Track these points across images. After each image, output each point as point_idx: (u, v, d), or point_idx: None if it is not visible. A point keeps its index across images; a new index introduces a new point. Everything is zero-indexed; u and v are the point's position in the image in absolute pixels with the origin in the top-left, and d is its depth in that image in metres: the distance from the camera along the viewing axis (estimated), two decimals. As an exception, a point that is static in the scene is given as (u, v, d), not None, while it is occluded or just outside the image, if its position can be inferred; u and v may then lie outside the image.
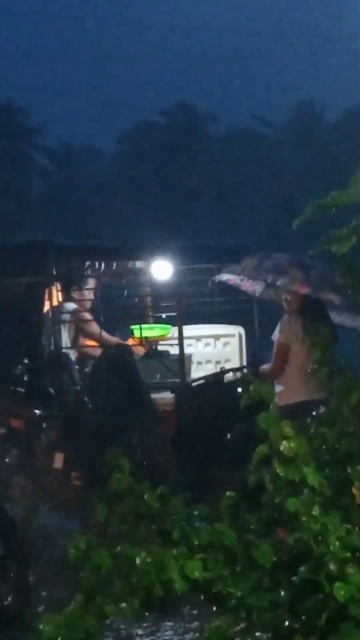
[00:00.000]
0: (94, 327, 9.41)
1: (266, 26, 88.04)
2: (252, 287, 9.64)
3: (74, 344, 9.40)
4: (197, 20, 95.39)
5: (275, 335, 9.11)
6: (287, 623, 3.36)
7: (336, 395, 4.34)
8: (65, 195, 49.75)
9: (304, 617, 3.29)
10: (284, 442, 3.44)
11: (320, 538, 3.24)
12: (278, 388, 9.02)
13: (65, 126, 60.88)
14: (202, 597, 3.61)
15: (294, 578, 3.33)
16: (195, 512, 3.93)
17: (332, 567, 3.18)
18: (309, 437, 4.01)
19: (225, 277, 9.63)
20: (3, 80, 62.63)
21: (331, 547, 3.20)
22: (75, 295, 9.51)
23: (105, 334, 9.38)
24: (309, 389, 8.39)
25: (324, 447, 4.02)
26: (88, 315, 9.48)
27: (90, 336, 9.44)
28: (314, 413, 6.63)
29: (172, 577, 3.52)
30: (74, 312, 9.07)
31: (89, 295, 9.71)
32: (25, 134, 53.80)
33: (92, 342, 9.53)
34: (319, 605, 3.22)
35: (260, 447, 3.52)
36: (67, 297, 9.32)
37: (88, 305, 9.74)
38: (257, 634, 3.40)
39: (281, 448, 3.42)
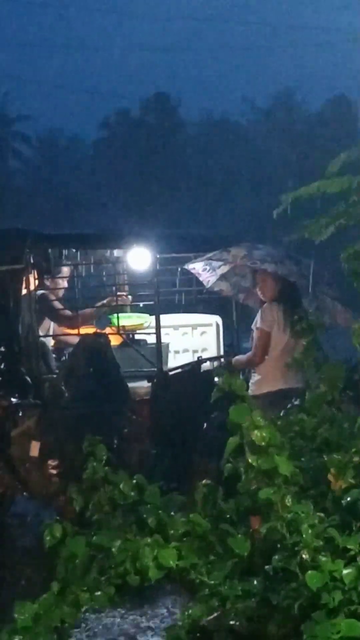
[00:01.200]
0: (63, 313, 9.40)
1: (248, 15, 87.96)
2: (208, 278, 9.71)
3: (46, 331, 9.38)
4: (178, 9, 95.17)
5: (256, 324, 9.14)
6: (260, 611, 3.38)
7: (323, 381, 4.35)
8: (44, 183, 49.60)
9: (277, 606, 3.31)
10: (255, 431, 3.45)
11: (292, 527, 3.26)
12: (257, 377, 9.05)
13: (45, 114, 60.63)
14: (176, 586, 3.63)
15: (267, 567, 3.34)
16: (171, 501, 3.94)
17: (304, 556, 3.20)
18: (287, 424, 4.03)
19: (190, 266, 9.69)
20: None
21: (304, 536, 3.21)
22: (49, 283, 9.49)
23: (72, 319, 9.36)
24: (288, 377, 8.44)
25: (301, 434, 4.03)
26: (57, 303, 9.45)
27: (60, 322, 9.43)
28: (293, 401, 6.67)
29: (146, 565, 3.53)
30: (41, 299, 9.02)
31: (63, 283, 9.69)
32: (5, 123, 53.63)
33: (64, 329, 9.52)
34: (292, 594, 3.24)
35: (232, 439, 3.53)
36: (42, 285, 9.30)
37: (60, 293, 9.72)
38: (231, 622, 3.41)
39: (252, 438, 3.42)
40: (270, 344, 9.01)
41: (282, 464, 3.41)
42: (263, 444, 3.41)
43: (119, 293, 9.73)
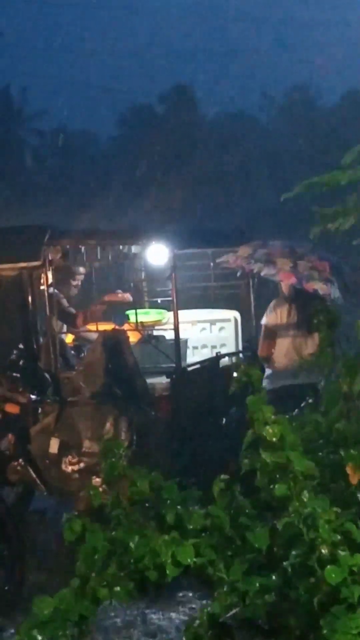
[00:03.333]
0: (68, 314, 9.40)
1: (264, 10, 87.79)
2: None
3: (60, 329, 9.40)
4: (193, 3, 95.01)
5: (264, 319, 9.18)
6: (279, 607, 3.37)
7: (341, 376, 4.33)
8: (60, 179, 49.66)
9: (296, 601, 3.30)
10: (267, 427, 3.44)
11: (310, 522, 3.25)
12: (268, 372, 9.06)
13: (61, 110, 60.68)
14: (195, 582, 3.63)
15: (285, 563, 3.34)
16: (189, 496, 3.93)
17: (323, 551, 3.19)
18: (302, 421, 4.01)
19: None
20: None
21: (321, 531, 3.20)
22: (67, 280, 9.50)
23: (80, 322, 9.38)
24: (295, 372, 8.43)
25: (317, 430, 4.02)
26: (65, 302, 9.44)
27: (66, 322, 9.42)
28: (307, 399, 6.66)
29: (164, 562, 3.53)
30: (53, 298, 9.01)
31: (78, 281, 9.71)
32: (22, 119, 53.77)
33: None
34: (310, 589, 3.23)
35: (250, 432, 3.52)
36: (59, 282, 9.31)
37: (75, 292, 9.73)
38: (250, 618, 3.41)
39: (264, 433, 3.42)
40: (275, 339, 9.01)
41: (296, 459, 3.40)
42: (274, 439, 3.41)
43: (117, 291, 9.72)
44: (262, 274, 8.88)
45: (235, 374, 9.09)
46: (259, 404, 3.49)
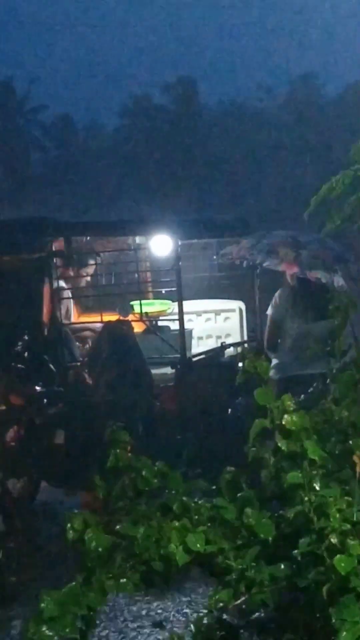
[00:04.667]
0: (68, 311, 9.36)
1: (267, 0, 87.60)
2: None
3: (67, 319, 9.37)
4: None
5: (269, 310, 9.16)
6: (287, 596, 3.36)
7: (355, 364, 4.30)
8: (64, 171, 49.65)
9: (305, 590, 3.28)
10: (285, 415, 3.42)
11: (320, 511, 3.23)
12: (275, 361, 9.03)
13: (64, 102, 60.65)
14: (203, 571, 3.61)
15: (294, 552, 3.32)
16: (195, 487, 3.91)
17: (333, 540, 3.17)
18: (309, 409, 3.99)
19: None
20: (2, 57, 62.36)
21: (332, 520, 3.18)
22: (71, 272, 9.48)
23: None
24: (304, 363, 8.40)
25: (327, 420, 4.00)
26: (68, 295, 9.40)
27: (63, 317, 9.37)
28: (315, 386, 6.62)
29: (172, 550, 3.51)
30: (58, 291, 8.97)
31: (84, 273, 9.68)
32: (25, 111, 53.73)
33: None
34: (320, 578, 3.21)
35: (258, 421, 3.50)
36: (64, 274, 9.29)
37: (80, 283, 9.70)
38: (258, 606, 3.40)
39: (283, 422, 3.40)
40: (280, 330, 8.99)
41: (311, 448, 3.38)
42: (294, 428, 3.39)
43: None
44: (264, 264, 8.87)
45: (240, 365, 9.11)
46: (268, 396, 3.47)
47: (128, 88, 60.95)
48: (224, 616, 3.48)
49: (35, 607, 3.47)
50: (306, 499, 3.28)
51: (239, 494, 3.75)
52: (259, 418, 3.51)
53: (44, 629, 3.42)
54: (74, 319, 9.64)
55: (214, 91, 55.92)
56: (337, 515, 3.22)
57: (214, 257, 10.34)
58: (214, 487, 3.88)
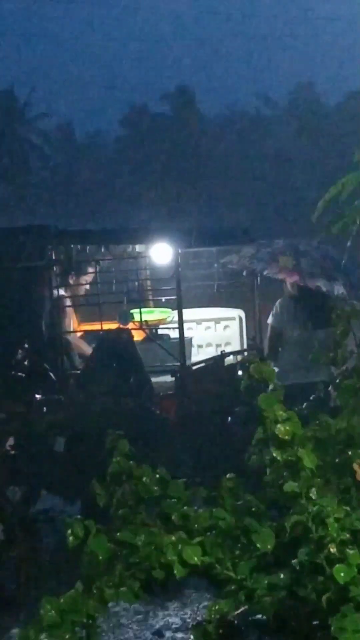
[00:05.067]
0: (68, 319, 9.34)
1: (267, 8, 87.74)
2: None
3: (67, 328, 9.35)
4: (197, 2, 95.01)
5: (269, 319, 9.18)
6: (287, 605, 3.36)
7: (356, 372, 4.31)
8: (66, 179, 49.68)
9: (304, 599, 3.28)
10: (279, 425, 3.42)
11: (319, 520, 3.23)
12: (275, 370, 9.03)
13: (66, 110, 60.72)
14: (202, 581, 3.61)
15: (293, 561, 3.32)
16: (195, 495, 3.92)
17: (332, 549, 3.17)
18: (310, 418, 4.00)
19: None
20: (3, 66, 62.51)
21: (330, 529, 3.18)
22: (70, 280, 9.47)
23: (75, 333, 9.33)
24: (303, 371, 8.41)
25: (325, 429, 4.00)
26: (70, 303, 9.38)
27: (69, 326, 9.33)
28: (317, 394, 6.64)
29: (171, 562, 3.51)
30: (58, 300, 8.94)
31: (84, 281, 9.67)
32: (26, 119, 53.79)
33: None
34: (319, 588, 3.21)
35: (260, 428, 3.50)
36: (63, 282, 9.28)
37: (80, 291, 9.70)
38: (258, 616, 3.39)
39: (276, 431, 3.40)
40: (280, 338, 9.00)
41: (306, 457, 3.38)
42: (287, 437, 3.39)
43: None
44: (264, 273, 8.90)
45: (240, 372, 9.09)
46: (272, 401, 3.47)
47: (129, 97, 61.02)
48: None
49: (36, 615, 3.48)
50: (300, 507, 3.28)
51: (238, 502, 3.75)
52: (263, 424, 3.50)
53: (43, 636, 3.42)
54: (73, 327, 9.64)
55: (214, 100, 55.99)
56: (336, 525, 3.22)
57: (214, 265, 10.35)
58: (213, 494, 3.88)
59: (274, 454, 3.38)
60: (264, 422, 3.46)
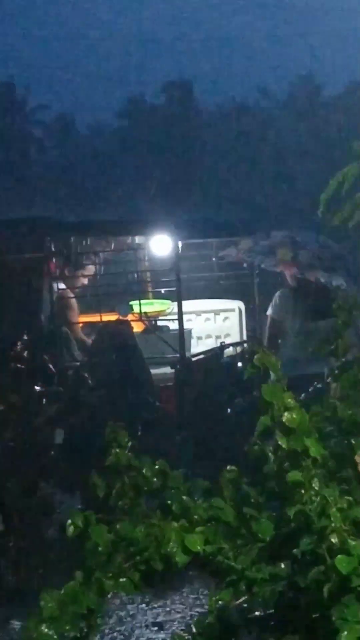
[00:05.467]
0: (72, 311, 9.33)
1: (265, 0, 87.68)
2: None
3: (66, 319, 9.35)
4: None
5: (269, 311, 9.16)
6: (288, 595, 3.35)
7: (358, 363, 4.29)
8: (65, 171, 49.67)
9: (305, 590, 3.27)
10: (286, 413, 3.40)
11: (321, 510, 3.22)
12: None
13: (65, 102, 60.69)
14: (203, 571, 3.60)
15: (295, 550, 3.31)
16: (195, 486, 3.91)
17: (333, 539, 3.16)
18: (319, 406, 3.98)
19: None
20: (2, 58, 62.49)
21: (332, 519, 3.17)
22: (70, 272, 9.46)
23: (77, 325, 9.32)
24: (304, 363, 8.40)
25: (327, 418, 3.99)
26: (70, 295, 9.37)
27: (68, 318, 9.32)
28: (316, 384, 6.62)
29: (172, 550, 3.50)
30: (57, 291, 8.93)
31: (83, 273, 9.66)
32: (25, 111, 53.77)
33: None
34: (320, 578, 3.20)
35: (263, 418, 3.48)
36: (63, 274, 9.27)
37: (79, 283, 9.69)
38: (258, 606, 3.39)
39: (283, 419, 3.38)
40: (279, 331, 8.99)
41: (313, 446, 3.37)
42: (294, 426, 3.37)
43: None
44: (262, 265, 8.91)
45: (240, 364, 9.08)
46: (278, 390, 3.44)
47: (127, 89, 60.93)
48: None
49: (36, 607, 3.47)
50: (306, 498, 3.26)
51: (238, 493, 3.74)
52: (265, 414, 3.48)
53: (43, 627, 3.42)
54: (73, 319, 9.63)
55: (213, 92, 55.92)
56: (338, 515, 3.20)
57: (214, 257, 10.35)
58: (213, 486, 3.87)
59: (280, 442, 3.36)
60: (271, 409, 3.44)
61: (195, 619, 3.47)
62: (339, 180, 7.28)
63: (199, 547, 3.48)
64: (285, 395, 3.41)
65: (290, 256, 8.76)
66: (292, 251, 8.80)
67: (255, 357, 3.62)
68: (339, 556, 3.17)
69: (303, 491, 3.28)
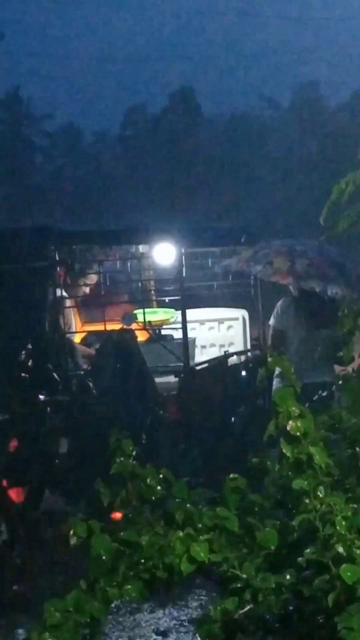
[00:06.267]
0: (70, 319, 9.31)
1: (270, 8, 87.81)
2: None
3: (69, 328, 9.32)
4: (198, 4, 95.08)
5: (271, 320, 9.16)
6: (292, 605, 3.34)
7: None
8: (70, 179, 49.75)
9: (309, 599, 3.27)
10: (290, 421, 3.39)
11: (325, 519, 3.21)
12: (277, 371, 9.00)
13: (69, 111, 60.77)
14: (207, 580, 3.60)
15: (299, 559, 3.30)
16: (199, 495, 3.90)
17: (339, 549, 3.15)
18: (325, 415, 3.98)
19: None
20: (8, 68, 62.63)
21: (338, 528, 3.17)
22: (73, 281, 9.45)
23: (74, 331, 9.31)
24: (306, 371, 8.39)
25: (331, 426, 3.99)
26: (69, 304, 9.33)
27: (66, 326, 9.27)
28: (320, 393, 6.63)
29: (176, 559, 3.49)
30: (59, 300, 8.90)
31: (87, 282, 9.66)
32: (30, 120, 53.88)
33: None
34: (325, 587, 3.19)
35: (272, 423, 3.47)
36: (66, 283, 9.26)
37: (83, 292, 9.68)
38: (263, 614, 3.38)
39: (288, 428, 3.37)
40: (282, 340, 8.98)
41: (318, 454, 3.36)
42: (298, 434, 3.36)
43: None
44: (259, 276, 8.92)
45: (244, 373, 9.05)
46: (286, 396, 3.44)
47: (131, 98, 61.02)
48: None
49: (40, 615, 3.47)
50: (311, 506, 3.25)
51: (242, 502, 3.74)
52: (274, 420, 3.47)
53: (46, 636, 3.42)
54: (76, 328, 9.63)
55: (217, 101, 55.99)
56: (343, 523, 3.20)
57: (217, 265, 10.35)
58: (216, 495, 3.86)
59: (284, 450, 3.36)
60: (276, 417, 3.43)
61: (200, 626, 3.47)
62: (342, 188, 7.26)
63: (203, 555, 3.48)
64: (290, 402, 3.41)
65: (287, 266, 8.76)
66: (289, 261, 8.80)
67: (269, 360, 3.62)
68: (344, 565, 3.16)
69: (307, 500, 3.28)
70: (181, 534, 3.52)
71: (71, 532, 3.67)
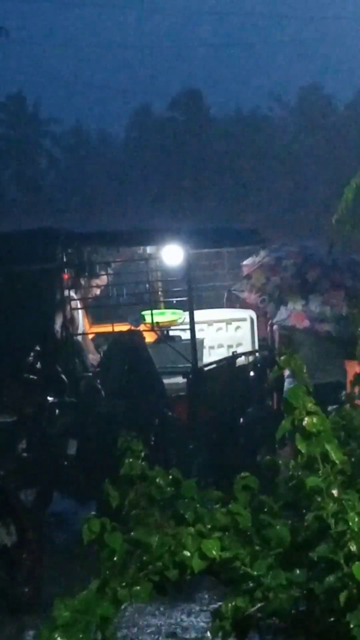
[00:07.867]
0: (78, 320, 9.31)
1: (275, 8, 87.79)
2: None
3: (76, 330, 9.33)
4: (203, 4, 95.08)
5: (275, 319, 9.16)
6: (304, 602, 3.34)
7: None
8: (76, 181, 49.80)
9: (321, 597, 3.26)
10: (307, 417, 3.38)
11: (338, 516, 3.20)
12: (286, 372, 9.01)
13: (75, 114, 60.75)
14: (217, 578, 3.59)
15: (310, 554, 3.30)
16: (208, 495, 3.90)
17: (352, 547, 3.14)
18: (335, 418, 3.99)
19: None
20: (13, 71, 62.67)
21: (351, 525, 3.16)
22: (82, 282, 9.46)
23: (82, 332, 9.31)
24: (314, 373, 8.40)
25: (343, 426, 3.99)
26: (77, 306, 9.34)
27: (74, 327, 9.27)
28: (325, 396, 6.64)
29: (188, 557, 3.49)
30: (67, 302, 8.91)
31: (95, 283, 9.67)
32: (36, 123, 53.97)
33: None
34: (337, 585, 3.19)
35: (284, 422, 3.46)
36: (74, 285, 9.27)
37: (91, 293, 9.69)
38: (275, 612, 3.38)
39: (304, 423, 3.36)
40: (290, 341, 8.99)
41: (333, 451, 3.35)
42: (314, 430, 3.35)
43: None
44: (274, 320, 8.97)
45: (252, 373, 9.05)
46: (301, 393, 3.43)
47: (137, 100, 60.97)
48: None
49: (49, 615, 3.47)
50: (324, 504, 3.25)
51: (253, 500, 3.74)
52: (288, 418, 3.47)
53: (56, 636, 3.41)
54: (85, 329, 9.64)
55: (223, 101, 55.92)
56: (356, 520, 3.19)
57: (226, 265, 10.36)
58: (227, 495, 3.86)
59: (299, 447, 3.35)
60: (291, 414, 3.42)
61: (210, 626, 3.47)
62: (352, 189, 7.29)
63: (215, 553, 3.47)
64: (306, 399, 3.40)
65: (302, 304, 8.80)
66: (303, 297, 8.84)
67: (282, 358, 3.62)
68: (357, 563, 3.16)
69: (320, 498, 3.27)
70: (192, 530, 3.52)
71: (84, 528, 3.68)
